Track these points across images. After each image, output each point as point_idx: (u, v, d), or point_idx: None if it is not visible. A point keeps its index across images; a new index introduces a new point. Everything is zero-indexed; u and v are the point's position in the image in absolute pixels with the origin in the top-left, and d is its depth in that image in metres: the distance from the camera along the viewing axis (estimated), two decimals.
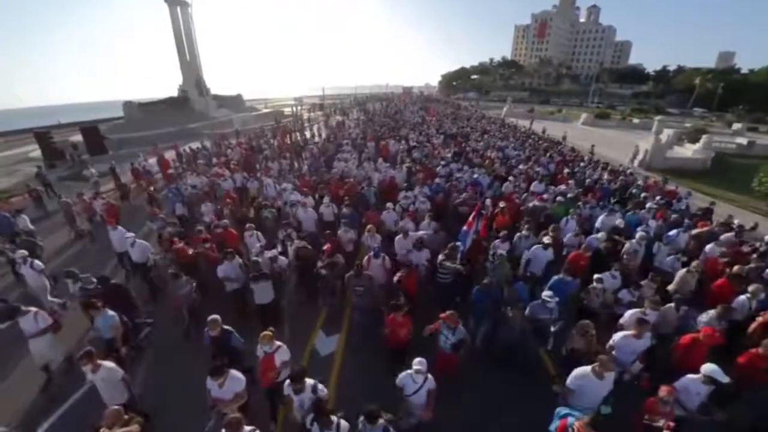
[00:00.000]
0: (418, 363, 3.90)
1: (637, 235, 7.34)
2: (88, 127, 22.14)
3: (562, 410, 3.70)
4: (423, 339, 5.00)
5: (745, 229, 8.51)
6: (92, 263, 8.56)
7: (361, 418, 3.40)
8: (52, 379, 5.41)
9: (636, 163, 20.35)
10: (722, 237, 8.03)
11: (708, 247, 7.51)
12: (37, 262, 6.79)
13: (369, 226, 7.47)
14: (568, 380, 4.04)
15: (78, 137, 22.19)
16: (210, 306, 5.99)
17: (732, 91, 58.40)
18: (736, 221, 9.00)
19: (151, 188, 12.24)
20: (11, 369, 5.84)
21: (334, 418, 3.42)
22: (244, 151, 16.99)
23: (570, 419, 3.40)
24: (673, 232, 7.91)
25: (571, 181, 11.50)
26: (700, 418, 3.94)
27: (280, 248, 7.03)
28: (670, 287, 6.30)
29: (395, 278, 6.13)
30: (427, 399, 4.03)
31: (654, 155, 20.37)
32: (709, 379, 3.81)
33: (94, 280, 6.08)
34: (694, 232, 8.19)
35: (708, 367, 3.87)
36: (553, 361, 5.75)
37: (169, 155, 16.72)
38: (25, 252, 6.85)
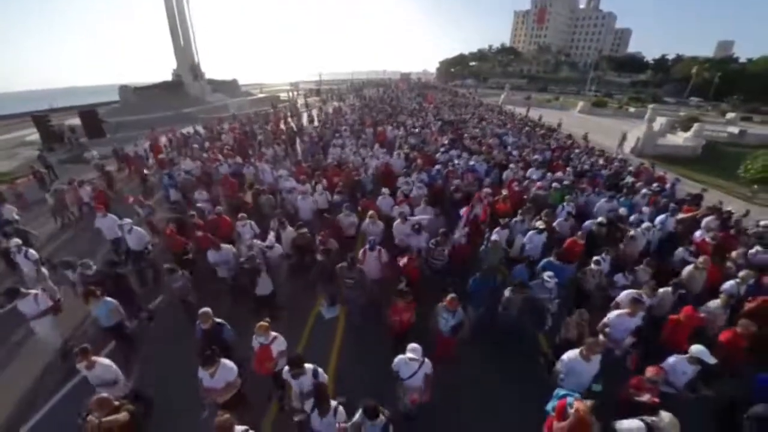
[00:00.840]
0: (412, 351, 3.88)
1: (644, 225, 7.43)
2: (87, 111, 21.94)
3: (560, 391, 3.85)
4: (422, 323, 5.11)
5: (732, 214, 8.70)
6: (85, 251, 8.49)
7: (360, 412, 3.32)
8: (68, 352, 5.46)
9: (628, 149, 20.70)
10: (704, 221, 8.24)
11: (698, 233, 7.75)
12: (31, 251, 6.66)
13: (370, 213, 7.33)
14: (559, 364, 4.22)
15: (74, 121, 21.96)
16: (207, 297, 6.04)
17: (729, 81, 58.28)
18: (730, 208, 9.17)
19: (145, 172, 12.14)
20: (12, 352, 5.94)
21: (333, 402, 3.45)
22: (238, 136, 16.74)
23: (569, 399, 3.54)
24: (661, 217, 8.10)
25: (569, 168, 11.65)
26: (686, 395, 4.17)
27: (273, 237, 6.89)
28: (675, 281, 5.93)
29: (401, 263, 6.06)
30: (425, 381, 4.07)
31: (645, 142, 20.80)
32: (696, 360, 4.03)
33: (92, 264, 6.03)
34: (679, 216, 8.40)
35: (696, 348, 4.07)
36: (548, 343, 5.86)
37: (165, 140, 16.63)
38: (18, 241, 6.73)
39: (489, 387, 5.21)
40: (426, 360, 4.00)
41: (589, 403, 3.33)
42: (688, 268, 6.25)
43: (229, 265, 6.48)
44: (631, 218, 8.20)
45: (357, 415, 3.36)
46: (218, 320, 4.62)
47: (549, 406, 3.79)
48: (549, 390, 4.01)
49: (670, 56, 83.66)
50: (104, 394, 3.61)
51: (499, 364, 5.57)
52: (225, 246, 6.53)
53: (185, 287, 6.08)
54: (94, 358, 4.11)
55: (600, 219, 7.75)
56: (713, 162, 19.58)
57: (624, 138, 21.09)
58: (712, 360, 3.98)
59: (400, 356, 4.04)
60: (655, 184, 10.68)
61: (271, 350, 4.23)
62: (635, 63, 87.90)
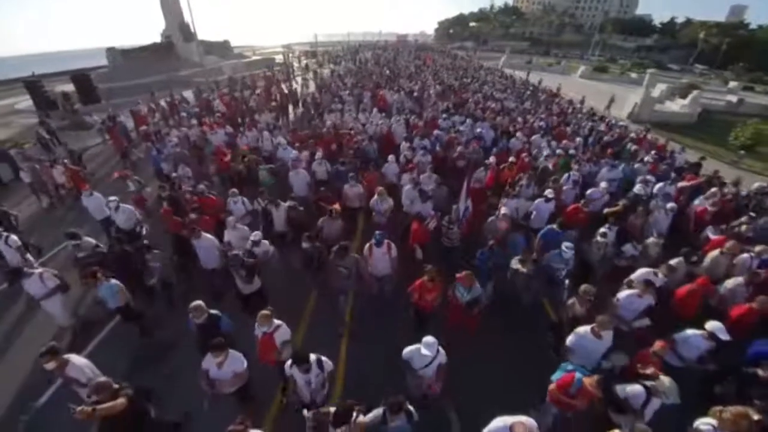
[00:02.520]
0: (426, 345, 3.68)
1: (668, 206, 7.03)
2: (80, 76, 21.00)
3: (568, 365, 3.84)
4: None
5: (724, 181, 8.78)
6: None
7: (383, 410, 3.17)
8: (76, 335, 5.43)
9: (624, 114, 20.77)
10: (709, 192, 8.09)
11: (697, 200, 7.84)
12: (13, 237, 5.99)
13: (380, 189, 6.97)
14: (568, 340, 4.20)
15: (65, 86, 21.09)
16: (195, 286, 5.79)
17: (737, 48, 56.42)
18: (743, 182, 8.93)
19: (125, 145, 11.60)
20: (14, 336, 5.78)
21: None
22: (228, 102, 15.90)
23: (577, 374, 3.50)
24: (660, 185, 8.08)
25: (578, 139, 11.44)
26: (695, 366, 4.20)
27: (260, 233, 5.86)
28: (701, 270, 5.70)
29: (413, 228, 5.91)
30: (438, 372, 3.92)
31: (643, 108, 20.90)
32: (711, 335, 4.02)
33: (93, 241, 5.80)
34: (680, 185, 8.37)
35: (712, 325, 4.07)
36: (554, 312, 5.81)
37: (146, 109, 15.47)
38: None
39: (493, 361, 5.15)
40: (441, 350, 3.83)
41: (596, 377, 3.46)
42: (713, 254, 5.86)
43: (210, 255, 5.77)
44: (636, 188, 8.11)
45: (375, 414, 3.20)
46: (214, 312, 4.30)
47: (554, 377, 3.80)
48: (554, 366, 4.03)
49: (680, 19, 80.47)
50: (103, 378, 3.40)
51: (504, 338, 5.49)
52: (206, 236, 5.71)
53: (159, 269, 5.76)
54: (66, 356, 3.64)
55: (603, 185, 7.81)
56: (707, 129, 19.88)
57: (612, 101, 21.08)
58: (726, 337, 3.96)
59: (413, 347, 3.89)
60: (653, 152, 10.67)
61: (274, 339, 4.00)
62: (642, 26, 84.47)
